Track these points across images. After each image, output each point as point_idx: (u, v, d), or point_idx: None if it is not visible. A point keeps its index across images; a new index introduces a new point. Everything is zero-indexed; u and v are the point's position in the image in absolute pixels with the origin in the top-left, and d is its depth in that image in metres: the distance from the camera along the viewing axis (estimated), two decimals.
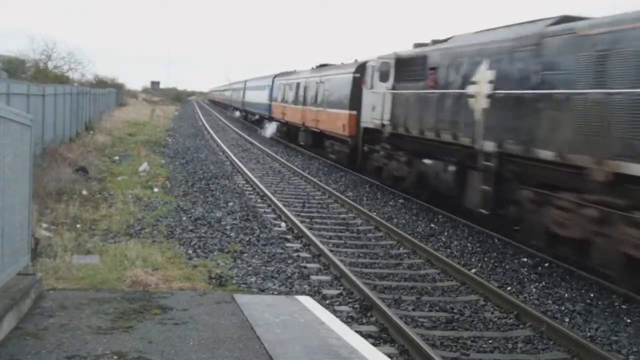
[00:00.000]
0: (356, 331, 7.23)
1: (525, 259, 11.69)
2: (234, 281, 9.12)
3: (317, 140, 28.45)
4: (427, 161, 15.99)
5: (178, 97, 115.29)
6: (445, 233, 13.78)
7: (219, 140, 33.68)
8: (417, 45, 17.90)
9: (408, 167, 17.31)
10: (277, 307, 7.62)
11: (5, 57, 46.09)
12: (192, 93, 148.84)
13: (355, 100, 22.00)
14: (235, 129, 46.17)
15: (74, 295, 7.48)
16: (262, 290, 8.83)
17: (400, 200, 17.63)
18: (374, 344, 7.12)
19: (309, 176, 21.54)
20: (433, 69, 15.60)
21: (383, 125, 18.46)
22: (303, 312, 7.47)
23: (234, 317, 7.03)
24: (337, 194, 17.90)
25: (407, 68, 17.33)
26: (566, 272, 10.87)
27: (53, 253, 9.41)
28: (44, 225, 11.17)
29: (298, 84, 32.59)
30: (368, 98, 20.05)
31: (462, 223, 14.53)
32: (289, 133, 35.42)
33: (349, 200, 16.80)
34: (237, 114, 64.04)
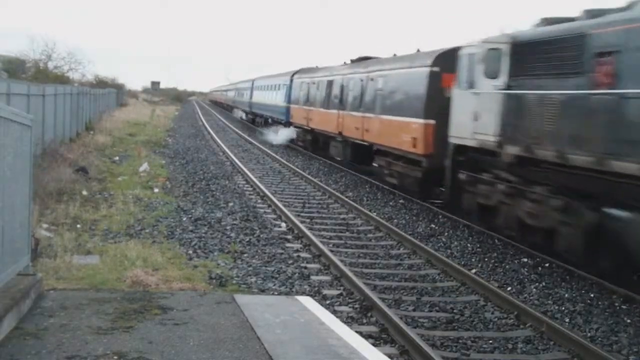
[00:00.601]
0: (356, 331, 7.23)
1: (525, 259, 11.68)
2: (234, 281, 9.12)
3: (363, 156, 22.18)
4: (616, 212, 9.67)
5: (178, 97, 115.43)
6: (446, 233, 13.77)
7: (219, 141, 33.68)
8: (549, 22, 12.26)
9: (563, 215, 10.74)
10: (278, 307, 7.62)
11: (5, 57, 46.10)
12: (193, 93, 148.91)
13: (433, 105, 16.07)
14: (235, 129, 46.17)
15: (74, 295, 7.49)
16: (262, 291, 8.84)
17: (401, 201, 17.63)
18: (374, 344, 7.12)
19: (309, 176, 21.54)
20: (605, 54, 9.85)
21: (500, 144, 12.37)
22: (303, 313, 7.47)
23: (234, 318, 7.03)
24: (337, 194, 17.90)
25: (538, 56, 11.60)
26: (566, 272, 10.87)
27: (53, 253, 9.41)
28: (44, 225, 11.18)
29: (330, 82, 25.94)
30: (465, 102, 14.00)
31: (462, 223, 14.52)
32: (315, 143, 29.15)
33: (349, 201, 16.80)
34: (242, 116, 57.60)
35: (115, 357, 5.63)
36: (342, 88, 24.10)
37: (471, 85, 13.84)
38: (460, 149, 14.42)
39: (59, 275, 8.43)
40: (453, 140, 14.64)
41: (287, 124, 34.51)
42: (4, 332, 5.95)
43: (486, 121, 12.94)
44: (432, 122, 16.22)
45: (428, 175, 16.47)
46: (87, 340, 5.99)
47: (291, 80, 34.36)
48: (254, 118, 49.27)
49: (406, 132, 17.35)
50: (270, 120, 40.28)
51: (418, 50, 19.66)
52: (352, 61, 25.58)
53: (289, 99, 34.24)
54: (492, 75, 12.92)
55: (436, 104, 15.92)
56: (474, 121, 13.47)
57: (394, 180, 18.81)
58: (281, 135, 34.53)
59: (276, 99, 37.99)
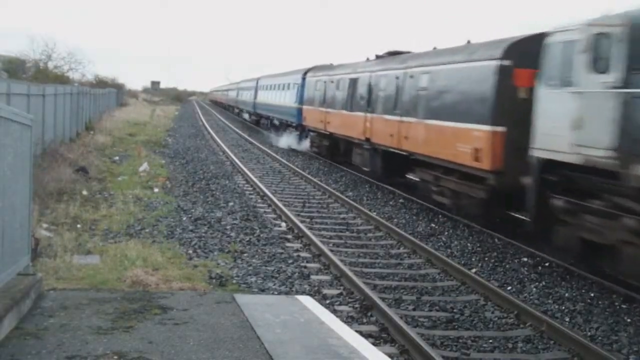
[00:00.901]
0: (356, 331, 7.23)
1: (525, 259, 11.68)
2: (234, 281, 9.13)
3: (397, 167, 19.21)
4: None
5: (178, 97, 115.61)
6: (446, 233, 13.77)
7: (219, 141, 33.68)
8: None
9: None
10: (278, 307, 7.62)
11: (5, 57, 46.18)
12: (193, 93, 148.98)
13: (504, 108, 12.81)
14: (235, 129, 46.18)
15: (74, 295, 7.49)
16: (262, 290, 8.84)
17: (401, 200, 17.62)
18: (374, 344, 7.12)
19: (309, 176, 21.53)
20: None
21: (622, 162, 9.26)
22: (303, 312, 7.47)
23: (234, 317, 7.03)
24: (337, 193, 17.89)
25: None
26: (566, 271, 10.87)
27: (53, 253, 9.42)
28: (44, 225, 11.18)
29: (354, 81, 22.53)
30: (557, 104, 10.88)
31: (463, 223, 14.52)
32: (333, 149, 25.84)
33: (349, 200, 16.79)
34: (246, 117, 54.37)
35: (115, 357, 5.63)
36: (369, 87, 20.67)
37: (567, 82, 10.67)
38: (550, 165, 11.04)
39: (59, 275, 8.44)
40: (538, 153, 11.25)
41: (299, 127, 31.34)
42: (4, 332, 5.95)
43: (596, 130, 9.74)
44: (501, 129, 12.85)
45: (496, 196, 13.19)
46: (87, 340, 5.99)
47: (303, 79, 31.16)
48: (259, 119, 46.41)
49: (464, 142, 13.90)
50: (277, 122, 37.24)
51: (469, 42, 16.32)
52: (378, 57, 22.30)
53: (301, 100, 30.96)
54: (602, 68, 9.90)
55: (507, 107, 12.75)
56: (575, 130, 10.20)
57: (443, 200, 15.48)
58: (289, 139, 32.11)
59: (285, 99, 34.68)
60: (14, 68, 42.67)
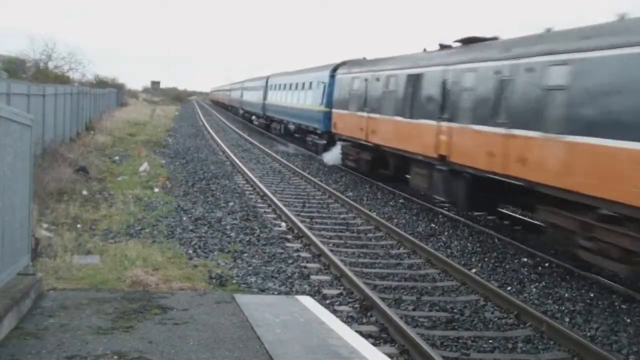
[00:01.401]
0: (356, 331, 7.24)
1: (525, 259, 11.69)
2: (234, 281, 9.13)
3: (493, 199, 14.59)
4: None
5: (178, 97, 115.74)
6: (446, 233, 13.77)
7: (219, 140, 33.67)
8: None
9: None
10: (277, 307, 7.62)
11: (5, 57, 46.23)
12: (193, 93, 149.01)
13: None
14: (235, 129, 46.16)
15: (74, 295, 7.49)
16: (262, 290, 8.85)
17: (401, 200, 17.62)
18: (374, 344, 7.12)
19: (309, 176, 21.52)
20: None
21: None
22: (303, 312, 7.48)
23: (234, 317, 7.03)
24: (337, 194, 17.89)
25: None
26: (566, 272, 10.87)
27: (53, 253, 9.42)
28: (44, 225, 11.18)
29: (415, 78, 17.11)
30: None
31: (462, 223, 14.52)
32: (377, 164, 20.81)
33: (349, 200, 16.79)
34: (254, 120, 48.68)
35: (115, 357, 5.64)
36: (444, 86, 15.42)
37: None
38: None
39: (59, 275, 8.44)
40: None
41: (325, 134, 26.36)
42: (4, 332, 5.96)
43: None
44: None
45: None
46: (87, 340, 5.99)
47: (332, 76, 25.81)
48: (269, 124, 41.20)
49: None
50: (293, 127, 32.56)
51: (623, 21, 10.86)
52: (443, 46, 17.27)
53: (329, 101, 25.68)
54: None
55: None
56: None
57: (605, 263, 10.09)
58: (321, 151, 26.97)
59: (307, 100, 29.29)
60: (14, 68, 42.72)
